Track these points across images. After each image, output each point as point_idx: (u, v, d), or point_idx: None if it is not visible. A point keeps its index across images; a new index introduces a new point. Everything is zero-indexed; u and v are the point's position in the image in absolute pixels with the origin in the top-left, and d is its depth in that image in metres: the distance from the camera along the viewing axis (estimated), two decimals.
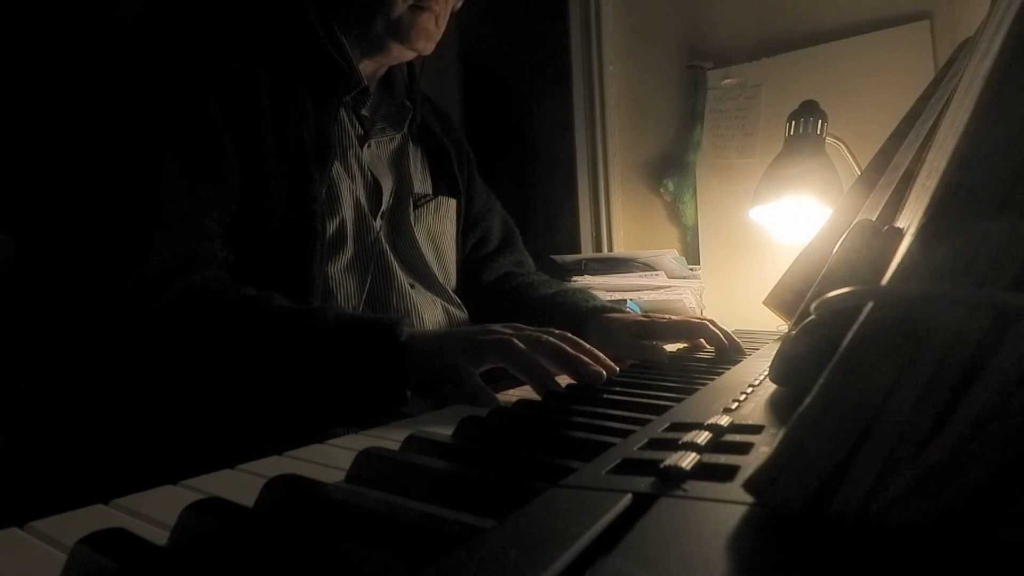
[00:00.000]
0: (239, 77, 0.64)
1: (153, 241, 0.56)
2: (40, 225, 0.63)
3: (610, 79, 1.54)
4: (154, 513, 0.25)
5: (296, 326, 0.55)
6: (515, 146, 1.69)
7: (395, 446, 0.31)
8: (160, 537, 0.22)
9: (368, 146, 0.80)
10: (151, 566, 0.18)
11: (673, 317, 0.77)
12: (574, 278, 1.23)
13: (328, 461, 0.33)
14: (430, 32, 0.74)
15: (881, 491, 0.16)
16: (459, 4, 0.79)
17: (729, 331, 0.73)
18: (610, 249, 1.52)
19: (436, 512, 0.21)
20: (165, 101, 0.61)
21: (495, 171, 1.10)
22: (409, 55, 0.78)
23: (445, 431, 0.35)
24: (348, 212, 0.73)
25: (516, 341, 0.51)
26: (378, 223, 0.77)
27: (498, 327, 0.55)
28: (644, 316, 0.79)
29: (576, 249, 1.53)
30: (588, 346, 0.54)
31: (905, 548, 0.15)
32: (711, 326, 0.72)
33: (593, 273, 1.24)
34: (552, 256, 1.31)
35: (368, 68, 0.78)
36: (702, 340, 0.74)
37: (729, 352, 0.70)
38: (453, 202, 0.89)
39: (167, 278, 0.56)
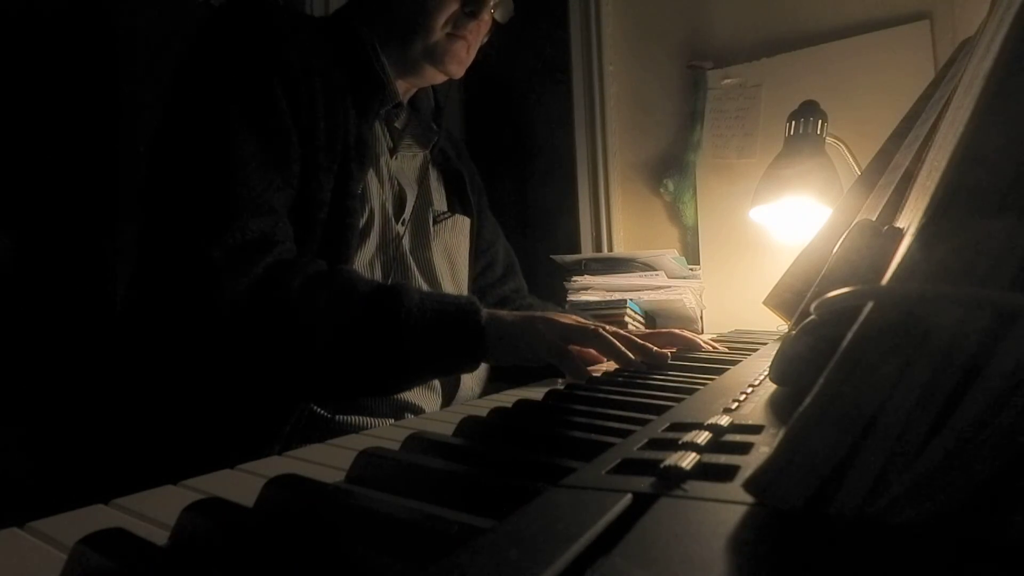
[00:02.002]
0: (300, 71, 0.69)
1: (241, 217, 0.60)
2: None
3: (610, 79, 1.54)
4: (154, 513, 0.25)
5: (387, 297, 0.61)
6: (515, 146, 1.69)
7: (395, 446, 0.31)
8: (160, 537, 0.22)
9: (395, 158, 0.85)
10: (151, 566, 0.18)
11: (643, 331, 0.80)
12: (574, 278, 1.22)
13: (328, 461, 0.33)
14: (462, 58, 0.81)
15: (881, 491, 0.16)
16: (487, 37, 0.85)
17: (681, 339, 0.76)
18: (610, 249, 1.52)
19: (436, 512, 0.21)
20: (239, 87, 0.65)
21: (495, 171, 1.11)
22: (440, 78, 0.84)
23: (445, 431, 0.35)
24: (376, 211, 0.78)
25: (603, 331, 0.63)
26: (400, 228, 0.82)
27: (562, 317, 0.66)
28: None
29: (576, 249, 1.53)
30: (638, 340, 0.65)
31: (905, 548, 0.15)
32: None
33: (593, 273, 1.24)
34: (552, 256, 1.31)
35: (401, 88, 0.84)
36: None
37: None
38: (468, 221, 0.94)
39: (257, 249, 0.60)
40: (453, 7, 0.77)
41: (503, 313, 0.64)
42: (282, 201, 0.66)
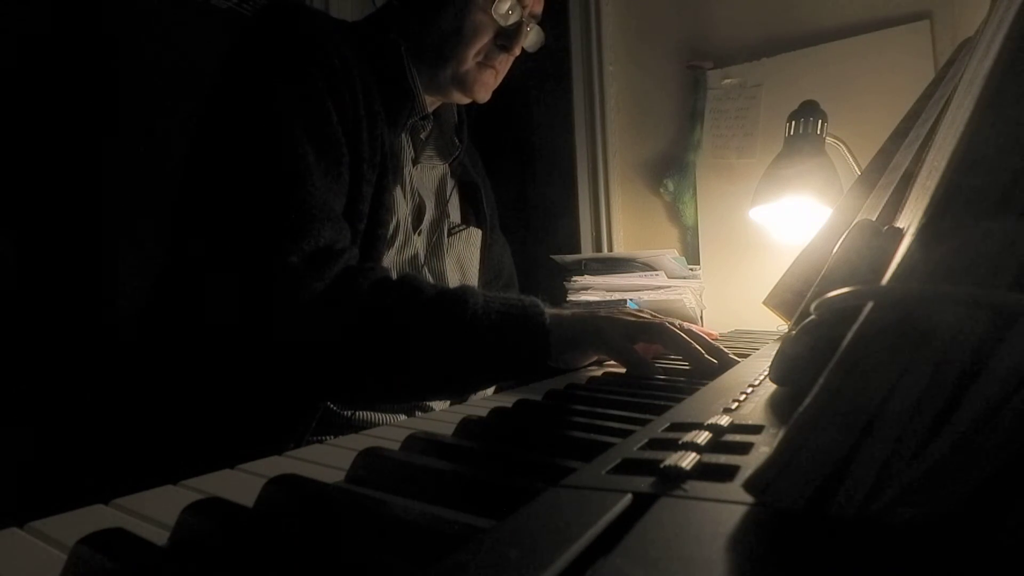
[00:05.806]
0: (343, 80, 0.69)
1: (314, 224, 0.61)
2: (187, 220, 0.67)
3: (610, 79, 1.54)
4: (154, 513, 0.25)
5: (453, 299, 0.61)
6: (515, 146, 1.69)
7: (395, 446, 0.31)
8: (160, 537, 0.22)
9: (416, 168, 0.86)
10: (151, 566, 0.18)
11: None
12: (574, 278, 1.22)
13: (328, 461, 0.33)
14: (489, 86, 0.83)
15: (881, 491, 0.16)
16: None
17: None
18: (610, 249, 1.52)
19: (436, 512, 0.21)
20: (293, 95, 0.65)
21: (495, 171, 1.11)
22: (465, 100, 0.85)
23: (445, 431, 0.35)
24: (400, 222, 0.79)
25: (669, 326, 0.62)
26: (416, 239, 0.83)
27: (621, 314, 0.66)
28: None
29: (576, 249, 1.53)
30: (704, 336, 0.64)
31: (905, 548, 0.15)
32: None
33: (593, 273, 1.24)
34: (552, 256, 1.31)
35: (427, 100, 0.85)
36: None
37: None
38: (480, 233, 0.95)
39: (330, 255, 0.61)
40: (486, 39, 0.78)
41: (565, 313, 0.64)
42: (340, 209, 0.67)
